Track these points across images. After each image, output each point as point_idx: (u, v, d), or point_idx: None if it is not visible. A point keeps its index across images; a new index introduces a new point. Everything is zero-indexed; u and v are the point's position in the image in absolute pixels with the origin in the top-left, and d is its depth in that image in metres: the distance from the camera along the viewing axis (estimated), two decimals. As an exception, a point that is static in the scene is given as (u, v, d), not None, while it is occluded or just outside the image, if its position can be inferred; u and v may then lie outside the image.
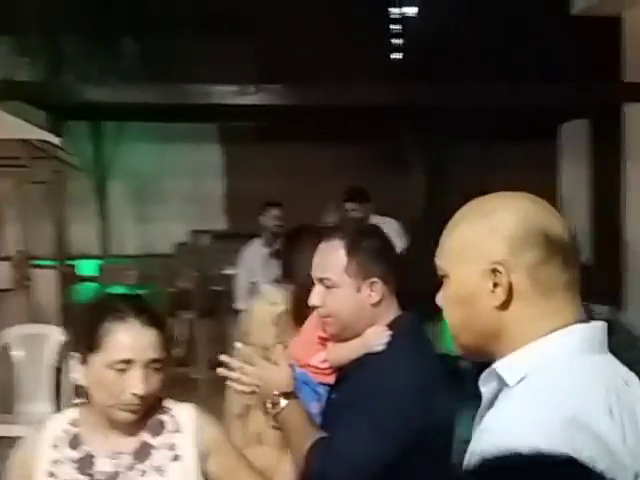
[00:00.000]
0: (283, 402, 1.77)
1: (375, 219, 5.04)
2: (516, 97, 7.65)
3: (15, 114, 6.28)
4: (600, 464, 0.95)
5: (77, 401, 1.77)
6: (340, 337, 1.87)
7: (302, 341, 2.01)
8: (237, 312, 5.51)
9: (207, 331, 6.38)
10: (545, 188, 8.68)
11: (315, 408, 1.90)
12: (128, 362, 1.57)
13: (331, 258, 1.85)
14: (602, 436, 0.97)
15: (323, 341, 1.93)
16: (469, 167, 8.86)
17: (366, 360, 1.80)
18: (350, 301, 1.82)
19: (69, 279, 6.63)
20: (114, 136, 9.26)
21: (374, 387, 1.71)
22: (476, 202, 1.18)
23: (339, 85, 7.97)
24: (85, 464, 1.63)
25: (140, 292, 7.05)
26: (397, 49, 10.88)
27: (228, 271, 6.30)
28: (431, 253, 1.22)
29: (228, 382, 1.85)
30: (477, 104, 7.87)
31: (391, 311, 1.86)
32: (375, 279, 1.82)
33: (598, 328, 1.11)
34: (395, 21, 10.90)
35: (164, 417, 1.70)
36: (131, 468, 1.63)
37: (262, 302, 2.70)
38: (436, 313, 1.24)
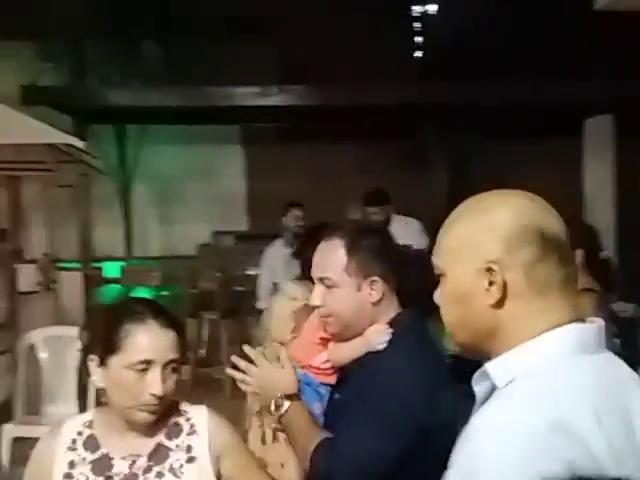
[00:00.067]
0: (286, 404, 1.78)
1: (397, 219, 5.01)
2: (540, 94, 7.60)
3: (40, 119, 6.35)
4: (582, 469, 0.95)
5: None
6: (341, 336, 1.86)
7: (303, 342, 2.01)
8: (259, 312, 5.53)
9: (230, 331, 6.41)
10: (569, 185, 8.69)
11: (317, 408, 1.90)
12: (148, 363, 1.59)
13: (331, 258, 1.84)
14: (585, 441, 0.97)
15: (324, 342, 1.92)
16: (492, 165, 8.79)
17: (368, 359, 1.80)
18: (351, 300, 1.82)
19: (94, 281, 6.70)
20: (137, 139, 9.34)
21: (377, 386, 1.70)
22: (472, 200, 1.17)
23: (360, 85, 7.97)
24: (102, 465, 1.64)
25: (163, 293, 7.12)
26: (419, 48, 10.84)
27: (251, 272, 6.32)
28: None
29: (237, 382, 1.87)
30: (500, 102, 7.83)
31: (392, 309, 1.86)
32: (375, 278, 1.82)
33: (593, 328, 1.10)
34: (416, 20, 10.85)
35: (179, 419, 1.72)
36: (148, 470, 1.65)
37: (282, 298, 2.71)
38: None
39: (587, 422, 0.98)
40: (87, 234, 8.11)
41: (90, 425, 1.70)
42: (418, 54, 10.81)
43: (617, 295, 5.83)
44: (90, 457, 1.65)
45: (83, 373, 1.71)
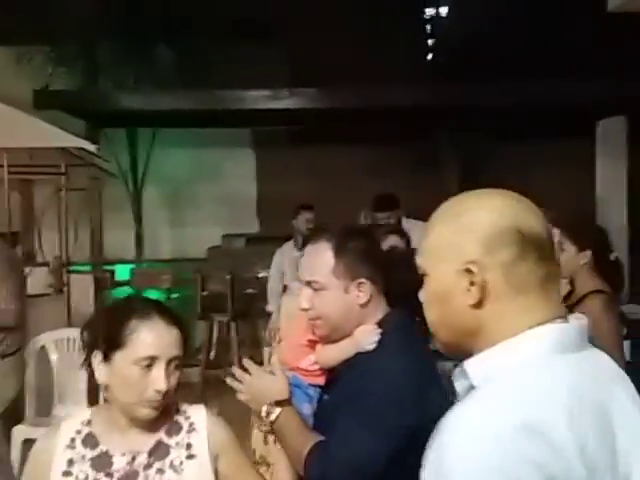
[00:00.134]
0: (277, 410, 1.80)
1: (407, 223, 4.99)
2: (552, 95, 7.56)
3: (53, 123, 6.40)
4: (550, 471, 0.95)
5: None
6: (330, 338, 1.87)
7: (291, 344, 2.01)
8: (269, 315, 5.54)
9: (240, 334, 6.43)
10: (581, 186, 8.62)
11: (307, 410, 1.90)
12: (152, 359, 1.62)
13: (318, 261, 1.85)
14: (555, 442, 0.97)
15: (312, 344, 1.92)
16: (504, 166, 8.75)
17: (357, 360, 1.80)
18: (339, 303, 1.83)
19: (105, 284, 6.73)
20: (149, 142, 9.37)
21: (368, 387, 1.70)
22: (453, 201, 1.18)
23: (371, 87, 7.96)
24: (101, 462, 1.66)
25: (174, 295, 7.14)
26: (430, 49, 10.81)
27: (261, 274, 6.33)
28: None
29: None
30: (512, 103, 7.80)
31: (380, 310, 1.86)
32: (363, 280, 1.82)
33: (574, 326, 1.10)
34: (428, 21, 10.82)
35: (178, 418, 1.75)
36: (148, 466, 1.67)
37: (291, 298, 2.71)
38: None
39: (558, 424, 0.98)
40: (98, 237, 8.15)
41: (89, 423, 1.72)
42: (430, 56, 10.78)
43: (628, 297, 5.79)
44: (89, 454, 1.67)
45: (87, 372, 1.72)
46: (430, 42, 10.85)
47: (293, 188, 8.44)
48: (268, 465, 2.04)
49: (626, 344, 4.20)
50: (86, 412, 1.76)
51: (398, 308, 1.89)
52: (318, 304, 1.84)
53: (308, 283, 1.86)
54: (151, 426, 1.70)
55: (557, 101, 7.61)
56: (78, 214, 7.36)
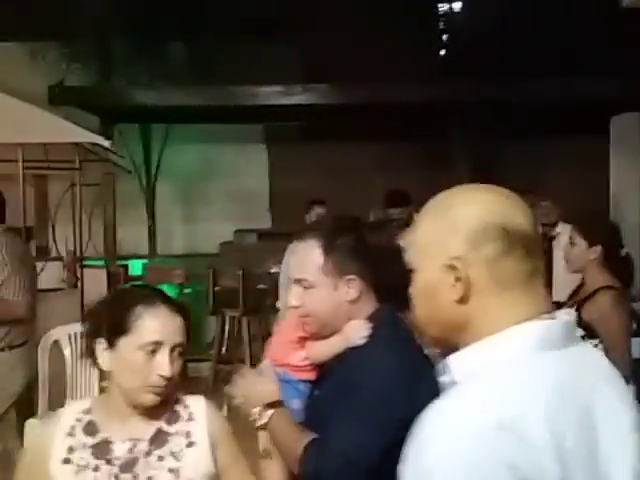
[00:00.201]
0: (269, 412, 1.83)
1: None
2: (565, 92, 7.52)
3: (67, 118, 6.45)
4: (523, 470, 0.95)
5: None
6: (320, 335, 1.88)
7: (281, 341, 2.02)
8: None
9: (252, 329, 6.44)
10: (595, 183, 8.57)
11: (297, 405, 1.92)
12: (157, 344, 1.65)
13: (307, 258, 1.86)
14: (530, 441, 0.97)
15: (302, 340, 1.93)
16: (515, 163, 8.72)
17: (348, 354, 1.81)
18: (328, 300, 1.84)
19: (118, 279, 6.76)
20: (162, 138, 9.41)
21: (359, 381, 1.72)
22: (440, 197, 1.19)
23: (383, 83, 7.95)
24: (102, 449, 1.69)
25: (186, 291, 7.17)
26: (441, 46, 10.76)
27: (273, 269, 6.34)
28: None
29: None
30: (526, 99, 7.76)
31: (370, 305, 1.87)
32: (352, 276, 1.83)
33: (559, 323, 1.10)
34: (439, 18, 10.78)
35: (178, 407, 1.78)
36: (149, 453, 1.70)
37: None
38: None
39: (536, 422, 0.99)
40: (112, 232, 8.20)
41: (89, 411, 1.75)
42: (441, 52, 10.73)
43: (640, 294, 5.76)
44: (90, 442, 1.70)
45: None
46: (443, 38, 10.80)
47: (305, 184, 8.45)
48: (271, 457, 2.06)
49: (637, 341, 4.19)
50: (86, 401, 1.80)
51: (388, 303, 1.90)
52: (307, 302, 1.85)
53: (297, 281, 1.87)
54: (152, 414, 1.72)
55: (571, 98, 7.57)
56: (92, 209, 7.41)
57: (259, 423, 1.84)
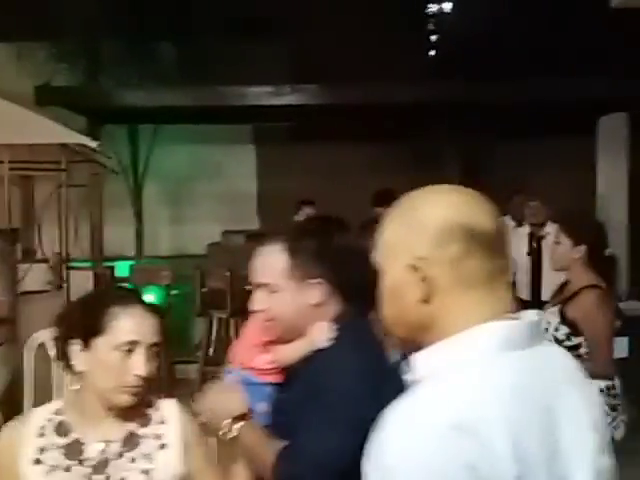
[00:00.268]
0: (238, 425, 1.83)
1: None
2: (553, 92, 7.54)
3: (54, 119, 6.41)
4: (479, 471, 0.96)
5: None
6: (285, 338, 1.87)
7: (245, 344, 2.01)
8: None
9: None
10: (582, 183, 8.60)
11: (263, 407, 1.92)
12: (133, 344, 1.66)
13: (271, 262, 1.85)
14: (487, 442, 0.97)
15: (267, 344, 1.93)
16: (505, 164, 8.75)
17: (313, 357, 1.81)
18: (293, 304, 1.84)
19: (105, 280, 6.72)
20: (150, 139, 9.37)
21: (326, 384, 1.71)
22: (407, 198, 1.20)
23: (373, 84, 7.96)
24: (73, 450, 1.69)
25: (173, 292, 7.13)
26: (431, 47, 10.79)
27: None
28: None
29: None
30: (513, 100, 7.78)
31: (334, 308, 1.87)
32: (316, 280, 1.83)
33: (522, 323, 1.11)
34: (429, 19, 10.80)
35: (151, 410, 1.79)
36: (121, 455, 1.70)
37: None
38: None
39: (495, 423, 0.99)
40: (98, 233, 8.15)
41: (60, 412, 1.75)
42: (431, 53, 10.76)
43: (628, 293, 5.80)
44: (61, 442, 1.70)
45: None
46: (432, 39, 10.82)
47: (294, 185, 8.44)
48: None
49: (625, 340, 4.21)
50: (58, 401, 1.80)
51: (353, 304, 1.90)
52: (272, 306, 1.85)
53: (261, 285, 1.86)
54: (125, 416, 1.73)
55: (558, 98, 7.59)
56: (78, 210, 7.35)
57: (229, 436, 1.84)
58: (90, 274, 6.71)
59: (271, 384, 1.94)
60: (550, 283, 3.97)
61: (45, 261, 6.29)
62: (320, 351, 1.81)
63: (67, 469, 1.67)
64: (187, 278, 6.78)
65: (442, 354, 1.09)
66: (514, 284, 6.43)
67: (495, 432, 0.98)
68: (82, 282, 6.10)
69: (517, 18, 8.95)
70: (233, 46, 8.84)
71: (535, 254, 6.16)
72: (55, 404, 1.78)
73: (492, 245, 1.11)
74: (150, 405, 1.79)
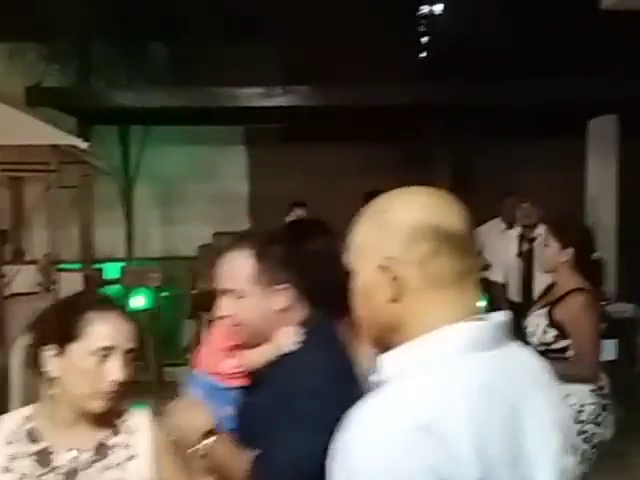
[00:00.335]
0: (208, 441, 1.81)
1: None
2: (544, 93, 7.55)
3: (45, 120, 6.39)
4: (442, 472, 0.96)
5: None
6: (251, 343, 1.87)
7: (210, 349, 2.00)
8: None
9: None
10: (572, 185, 8.62)
11: (229, 412, 1.91)
12: (109, 349, 1.65)
13: (237, 268, 1.85)
14: (450, 443, 0.98)
15: (233, 348, 1.92)
16: (495, 165, 8.76)
17: (281, 360, 1.82)
18: (259, 309, 1.83)
19: (95, 282, 6.70)
20: (140, 140, 9.33)
21: (295, 387, 1.71)
22: (378, 200, 1.22)
23: (364, 85, 7.96)
24: (44, 458, 1.67)
25: (164, 294, 7.12)
26: (424, 48, 10.79)
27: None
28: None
29: None
30: (505, 101, 7.79)
31: (301, 312, 1.88)
32: (283, 285, 1.83)
33: (490, 324, 1.11)
34: (421, 19, 10.81)
35: (122, 418, 1.78)
36: (92, 464, 1.69)
37: None
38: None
39: (457, 424, 0.99)
40: (88, 235, 8.11)
41: (31, 419, 1.73)
42: (422, 54, 10.77)
43: (616, 295, 5.82)
44: (32, 449, 1.68)
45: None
46: (423, 41, 10.83)
47: (285, 186, 8.43)
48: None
49: (613, 342, 4.23)
50: (27, 408, 1.77)
51: (320, 308, 1.90)
52: (238, 311, 1.84)
53: (227, 291, 1.86)
54: (97, 423, 1.72)
55: (549, 100, 7.61)
56: (68, 212, 7.34)
57: (201, 453, 1.82)
58: (80, 276, 6.69)
59: (236, 388, 1.94)
60: (542, 285, 4.00)
61: (34, 263, 6.27)
62: (287, 355, 1.81)
63: (37, 478, 1.65)
64: (178, 280, 6.77)
65: (410, 354, 1.09)
66: (504, 286, 6.45)
67: (461, 434, 0.98)
68: (72, 284, 6.08)
69: (507, 20, 8.97)
70: (224, 47, 8.82)
71: (527, 256, 6.16)
72: (25, 410, 1.76)
73: (461, 246, 1.12)
74: (121, 414, 1.79)
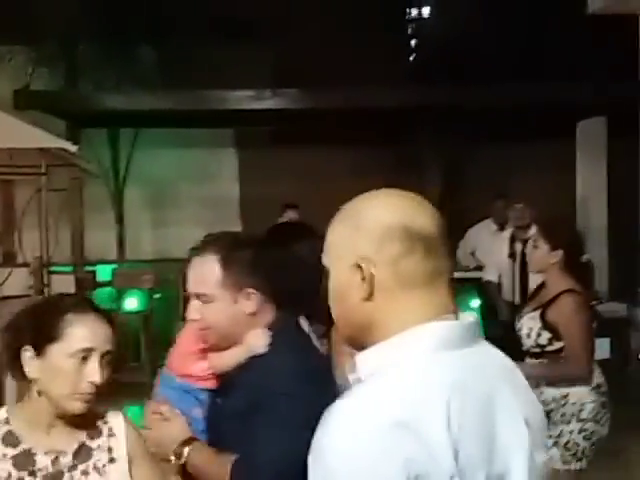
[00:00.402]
0: (186, 450, 1.84)
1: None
2: (533, 96, 7.61)
3: (33, 123, 6.37)
4: (418, 469, 0.98)
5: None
6: (220, 347, 1.90)
7: (180, 352, 2.02)
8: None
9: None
10: (562, 187, 8.67)
11: (198, 414, 1.95)
12: (88, 351, 1.65)
13: (205, 273, 1.87)
14: (426, 440, 1.00)
15: (203, 351, 1.95)
16: (486, 168, 8.80)
17: (250, 362, 1.84)
18: (227, 313, 1.86)
19: (86, 284, 6.68)
20: (130, 142, 9.30)
21: (267, 388, 1.74)
22: (352, 201, 1.24)
23: (354, 88, 7.98)
24: (23, 461, 1.66)
25: (156, 296, 7.11)
26: (412, 51, 10.84)
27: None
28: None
29: None
30: (494, 104, 7.84)
31: (269, 315, 1.90)
32: (251, 289, 1.86)
33: (460, 324, 1.15)
34: (410, 23, 10.86)
35: (99, 422, 1.78)
36: (73, 467, 1.69)
37: None
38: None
39: (432, 421, 1.02)
40: (79, 237, 8.08)
41: (7, 421, 1.71)
42: (412, 57, 10.81)
43: (608, 295, 5.87)
44: (11, 453, 1.67)
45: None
46: (413, 44, 10.87)
47: (276, 189, 8.42)
48: None
49: (606, 341, 4.27)
50: (1, 410, 1.75)
51: (288, 309, 1.94)
52: (207, 315, 1.86)
53: (196, 296, 1.88)
54: (75, 425, 1.72)
55: (537, 102, 7.66)
56: (59, 214, 7.31)
57: (180, 462, 1.84)
58: (71, 278, 6.67)
59: (206, 390, 1.96)
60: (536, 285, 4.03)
61: (26, 265, 6.25)
62: (256, 357, 1.84)
63: None
64: (170, 282, 6.75)
65: (384, 353, 1.11)
66: (499, 286, 6.47)
67: (436, 431, 1.01)
68: (63, 286, 6.07)
69: (496, 24, 9.02)
70: (214, 50, 8.80)
71: (520, 257, 6.19)
72: (0, 413, 1.74)
73: (433, 247, 1.14)
74: (99, 417, 1.79)
